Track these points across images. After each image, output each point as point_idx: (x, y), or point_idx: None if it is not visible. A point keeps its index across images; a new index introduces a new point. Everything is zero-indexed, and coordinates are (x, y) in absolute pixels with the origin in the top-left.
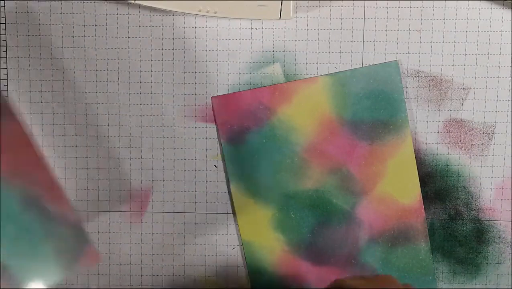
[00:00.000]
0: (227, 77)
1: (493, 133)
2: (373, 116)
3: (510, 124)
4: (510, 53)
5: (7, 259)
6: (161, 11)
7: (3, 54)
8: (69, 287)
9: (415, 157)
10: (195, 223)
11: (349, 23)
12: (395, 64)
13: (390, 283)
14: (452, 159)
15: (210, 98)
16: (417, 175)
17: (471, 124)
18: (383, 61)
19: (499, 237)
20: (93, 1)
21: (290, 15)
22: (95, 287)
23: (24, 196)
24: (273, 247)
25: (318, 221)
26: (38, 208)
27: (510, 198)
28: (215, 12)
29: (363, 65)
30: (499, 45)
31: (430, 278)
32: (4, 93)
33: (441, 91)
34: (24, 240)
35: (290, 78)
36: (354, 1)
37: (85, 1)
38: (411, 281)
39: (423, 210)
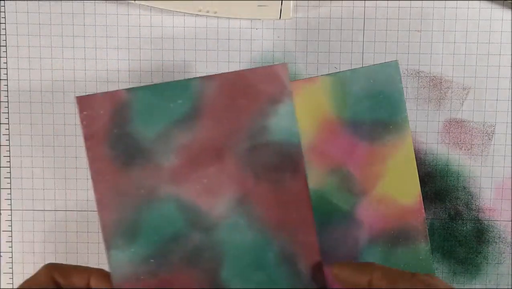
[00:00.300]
0: None
1: (493, 133)
2: (373, 116)
3: (510, 124)
4: (510, 53)
5: None
6: (161, 11)
7: (3, 54)
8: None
9: (415, 157)
10: None
11: (349, 23)
12: (395, 64)
13: (435, 284)
14: (452, 159)
15: None
16: (417, 175)
17: (471, 124)
18: (383, 61)
19: (499, 237)
20: (93, 1)
21: (290, 15)
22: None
23: (282, 251)
24: None
25: (317, 221)
26: (292, 266)
27: (510, 198)
28: (215, 12)
29: (363, 65)
30: (499, 45)
31: None
32: (4, 93)
33: (441, 91)
34: None
35: (290, 78)
36: (354, 1)
37: (85, 1)
38: None
39: (423, 210)
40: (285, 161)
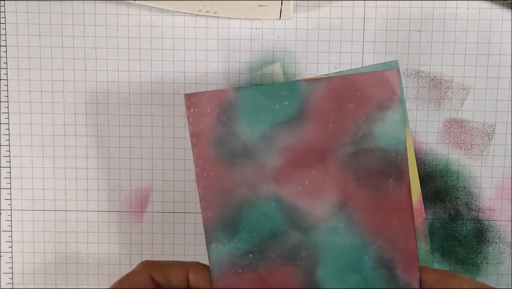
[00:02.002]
0: (227, 77)
1: (493, 133)
2: None
3: (510, 124)
4: (510, 53)
5: None
6: (161, 11)
7: (3, 54)
8: (69, 287)
9: (415, 157)
10: (195, 223)
11: (349, 23)
12: (395, 64)
13: None
14: (452, 159)
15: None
16: (417, 175)
17: (471, 124)
18: (383, 61)
19: (499, 237)
20: (93, 1)
21: (290, 15)
22: (95, 287)
23: (380, 256)
24: None
25: None
26: (388, 272)
27: (510, 198)
28: (215, 12)
29: (363, 65)
30: (499, 45)
31: None
32: (4, 93)
33: (441, 91)
34: None
35: (290, 78)
36: (354, 1)
37: (85, 1)
38: None
39: (423, 210)
40: (389, 168)
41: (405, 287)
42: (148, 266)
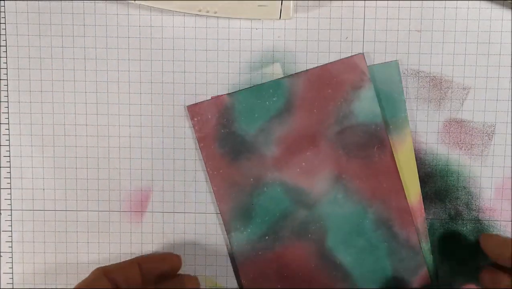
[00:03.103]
0: (227, 77)
1: (493, 133)
2: None
3: (510, 124)
4: (510, 53)
5: (352, 267)
6: (161, 11)
7: (3, 54)
8: (69, 287)
9: (415, 157)
10: (195, 223)
11: (349, 23)
12: (395, 64)
13: None
14: (452, 159)
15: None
16: (417, 175)
17: (471, 124)
18: (383, 61)
19: None
20: (93, 1)
21: (290, 15)
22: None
23: (378, 217)
24: None
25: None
26: (388, 230)
27: (510, 198)
28: (215, 12)
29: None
30: (499, 45)
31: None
32: (4, 93)
33: (441, 91)
34: (370, 254)
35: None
36: (354, 1)
37: (85, 1)
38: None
39: (423, 210)
40: (371, 139)
41: (404, 242)
42: (102, 272)
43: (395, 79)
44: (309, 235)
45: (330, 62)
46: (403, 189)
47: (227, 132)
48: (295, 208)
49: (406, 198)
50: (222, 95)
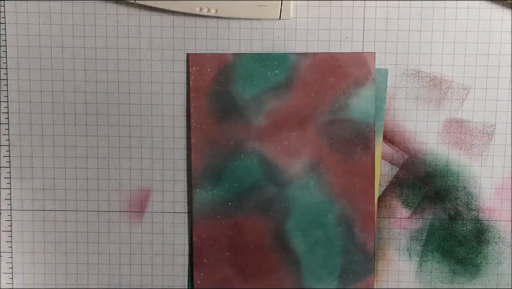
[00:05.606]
0: None
1: (493, 133)
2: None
3: (510, 124)
4: (510, 53)
5: (303, 255)
6: (161, 11)
7: (3, 54)
8: (69, 287)
9: (415, 157)
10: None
11: (349, 23)
12: (384, 72)
13: None
14: (452, 159)
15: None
16: (378, 184)
17: (471, 124)
18: (383, 61)
19: (499, 237)
20: (93, 1)
21: (290, 15)
22: (95, 287)
23: (342, 214)
24: None
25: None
26: (348, 230)
27: (510, 198)
28: (215, 12)
29: None
30: (499, 45)
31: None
32: (4, 93)
33: (441, 91)
34: (324, 248)
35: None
36: (354, 1)
37: (85, 1)
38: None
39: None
40: (358, 137)
41: (360, 246)
42: None
43: (381, 87)
44: (271, 213)
45: (341, 52)
46: (374, 195)
47: (222, 90)
48: (265, 183)
49: (374, 204)
50: (227, 53)
